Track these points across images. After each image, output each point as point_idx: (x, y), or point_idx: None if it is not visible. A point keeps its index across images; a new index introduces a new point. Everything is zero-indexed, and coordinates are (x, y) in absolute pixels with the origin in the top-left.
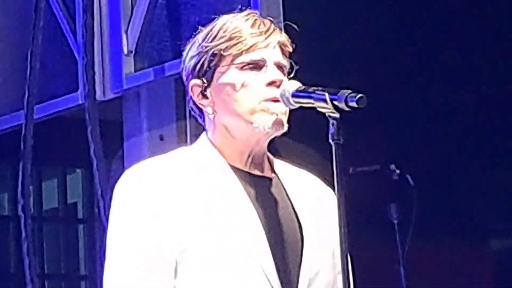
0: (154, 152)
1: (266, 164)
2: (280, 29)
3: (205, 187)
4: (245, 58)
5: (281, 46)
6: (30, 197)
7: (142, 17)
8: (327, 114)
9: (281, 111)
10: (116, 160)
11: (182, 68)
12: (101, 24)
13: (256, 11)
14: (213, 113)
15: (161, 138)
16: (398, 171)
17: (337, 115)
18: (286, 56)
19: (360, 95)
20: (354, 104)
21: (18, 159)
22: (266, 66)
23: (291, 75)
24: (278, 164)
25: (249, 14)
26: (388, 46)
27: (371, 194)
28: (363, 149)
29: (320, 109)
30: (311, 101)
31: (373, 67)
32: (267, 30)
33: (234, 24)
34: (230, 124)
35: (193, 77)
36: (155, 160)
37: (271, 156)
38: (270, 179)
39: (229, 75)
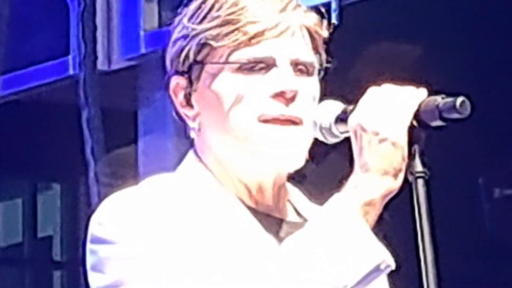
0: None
1: (286, 201)
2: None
3: (213, 233)
4: (244, 54)
5: (309, 31)
6: None
7: None
8: None
9: (292, 139)
10: (121, 165)
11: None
12: None
13: None
14: (199, 130)
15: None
16: None
17: (422, 134)
18: (316, 47)
19: (461, 98)
20: (453, 114)
21: None
22: (276, 66)
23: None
24: (297, 197)
25: None
26: None
27: None
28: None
29: None
30: None
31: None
32: (284, 7)
33: None
34: (222, 152)
35: (175, 72)
36: (138, 191)
37: (291, 189)
38: (296, 224)
39: (220, 79)
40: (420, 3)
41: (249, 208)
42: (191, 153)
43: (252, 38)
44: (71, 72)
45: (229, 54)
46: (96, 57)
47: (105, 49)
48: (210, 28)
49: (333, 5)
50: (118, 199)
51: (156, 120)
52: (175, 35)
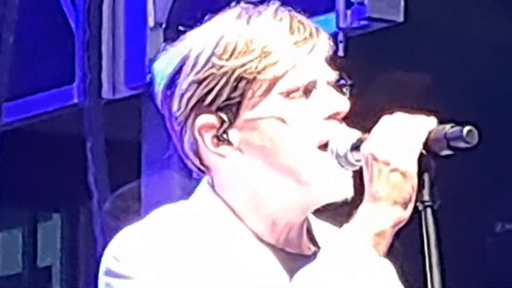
0: (188, 186)
1: (305, 235)
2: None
3: (230, 269)
4: (293, 81)
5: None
6: None
7: None
8: None
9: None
10: (125, 197)
11: (154, 89)
12: None
13: (283, 8)
14: (239, 167)
15: None
16: None
17: (431, 163)
18: (333, 67)
19: (468, 127)
20: (460, 143)
21: None
22: (316, 88)
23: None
24: (319, 228)
25: (276, 11)
26: None
27: None
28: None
29: None
30: None
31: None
32: (311, 34)
33: (261, 29)
34: (266, 185)
35: (200, 112)
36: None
37: (311, 219)
38: (310, 257)
39: (271, 107)
40: (427, 33)
41: (267, 243)
42: (205, 184)
43: (296, 64)
44: (75, 100)
45: (270, 85)
46: (100, 86)
47: (110, 77)
48: (249, 62)
49: (340, 37)
50: (132, 233)
51: (160, 149)
52: (200, 75)
